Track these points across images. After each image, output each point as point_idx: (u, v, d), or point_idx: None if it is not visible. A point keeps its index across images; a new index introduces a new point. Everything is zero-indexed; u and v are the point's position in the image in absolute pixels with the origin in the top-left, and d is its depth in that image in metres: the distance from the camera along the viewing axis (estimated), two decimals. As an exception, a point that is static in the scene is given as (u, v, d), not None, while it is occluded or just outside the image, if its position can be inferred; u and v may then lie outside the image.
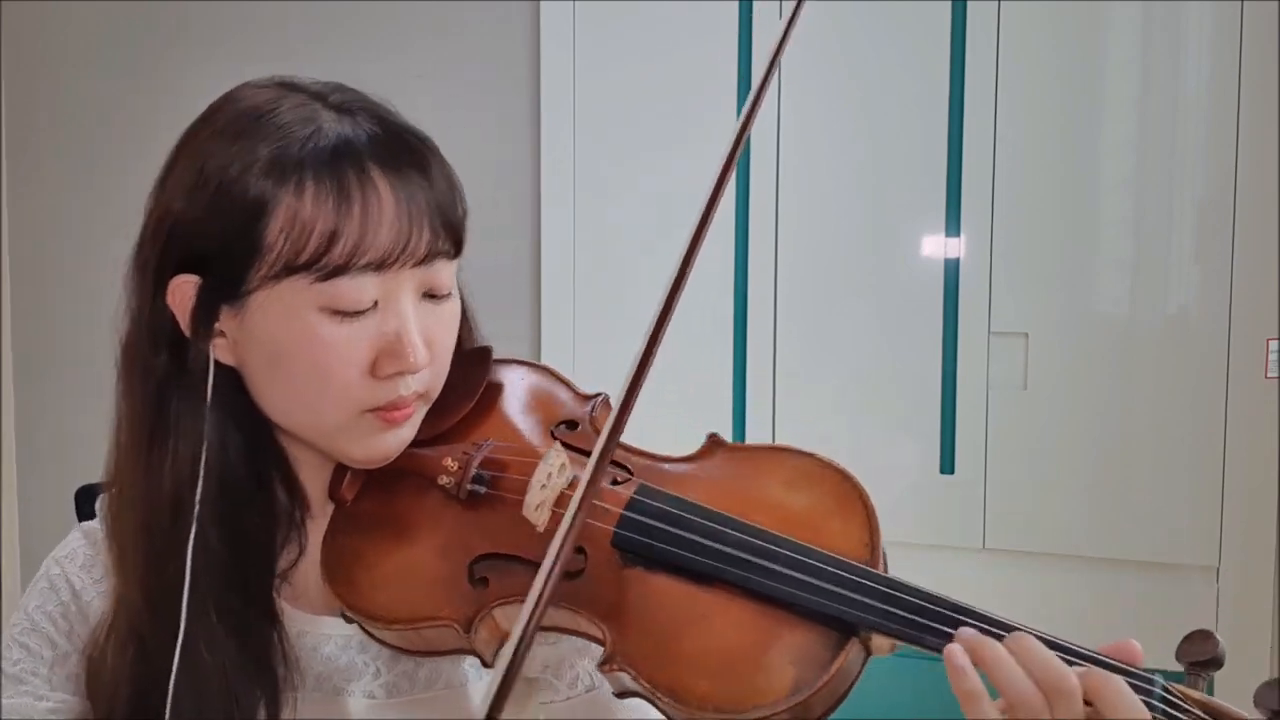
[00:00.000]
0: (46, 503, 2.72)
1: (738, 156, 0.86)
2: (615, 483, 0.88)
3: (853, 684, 0.79)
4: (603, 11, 2.37)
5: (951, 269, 2.22)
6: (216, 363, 0.90)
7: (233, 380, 0.91)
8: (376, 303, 0.87)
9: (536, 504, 0.87)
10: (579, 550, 0.84)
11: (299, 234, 0.84)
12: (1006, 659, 0.74)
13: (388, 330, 0.87)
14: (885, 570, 0.83)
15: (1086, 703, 0.73)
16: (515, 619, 0.75)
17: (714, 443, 0.92)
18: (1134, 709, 0.73)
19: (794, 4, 0.84)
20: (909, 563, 2.44)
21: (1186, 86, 2.11)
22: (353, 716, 0.94)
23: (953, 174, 2.20)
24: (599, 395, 0.97)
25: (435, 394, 0.93)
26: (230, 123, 0.89)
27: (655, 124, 2.32)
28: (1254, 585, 2.08)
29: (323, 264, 0.84)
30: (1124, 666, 0.76)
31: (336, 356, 0.87)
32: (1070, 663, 0.75)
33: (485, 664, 0.89)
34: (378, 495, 0.94)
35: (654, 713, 0.80)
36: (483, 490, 0.90)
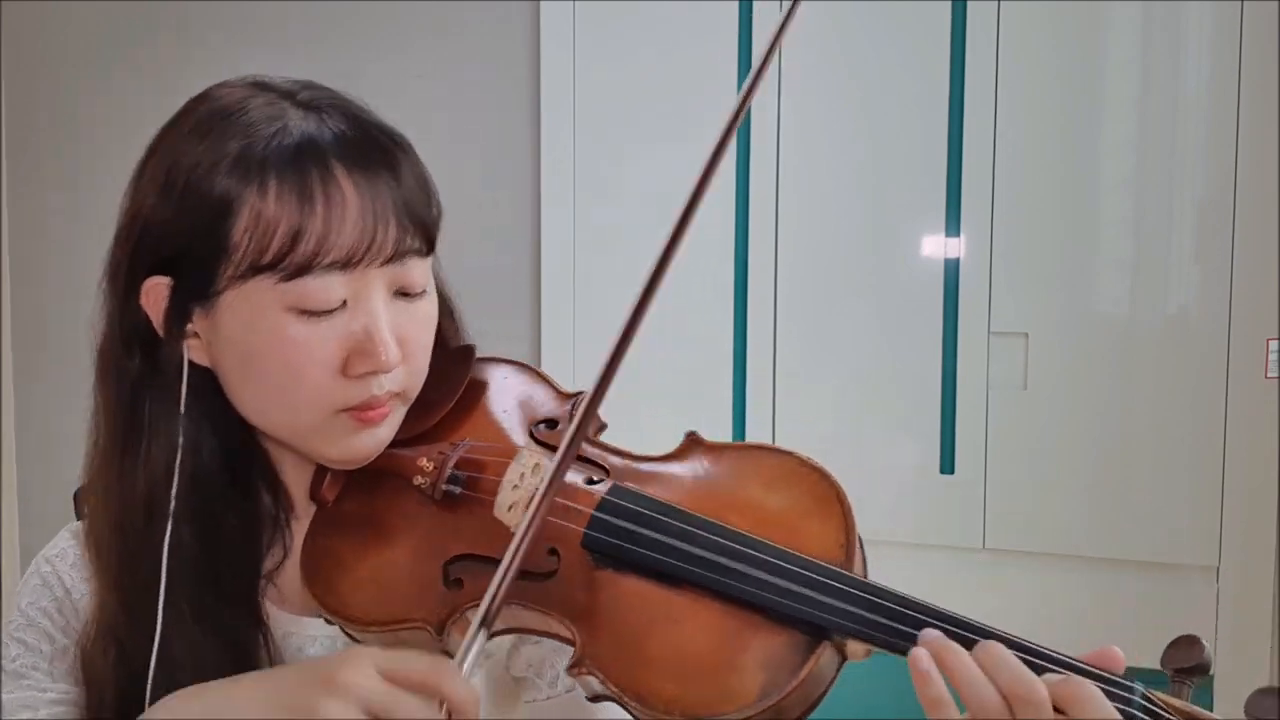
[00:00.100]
0: (46, 502, 2.72)
1: (720, 160, 0.85)
2: (592, 482, 0.87)
3: (827, 688, 0.78)
4: (603, 11, 2.37)
5: (951, 269, 2.22)
6: (192, 364, 0.90)
7: (209, 382, 0.91)
8: (346, 302, 0.86)
9: (509, 504, 0.86)
10: (552, 552, 0.84)
11: (263, 233, 0.84)
12: (970, 665, 0.73)
13: (357, 329, 0.86)
14: (864, 572, 0.82)
15: (1059, 710, 0.72)
16: None
17: (692, 441, 0.90)
18: (1107, 712, 0.71)
19: (789, 8, 0.83)
20: (909, 563, 2.45)
21: (1186, 86, 2.11)
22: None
23: (953, 174, 2.20)
24: (580, 394, 0.96)
25: (414, 393, 0.92)
26: (199, 122, 0.88)
27: (655, 124, 2.32)
28: (1254, 585, 2.08)
29: (287, 263, 0.84)
30: (1103, 673, 0.74)
31: (307, 356, 0.86)
32: (1043, 669, 0.73)
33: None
34: (358, 496, 0.93)
35: (627, 716, 0.79)
36: (458, 491, 0.89)
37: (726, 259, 2.33)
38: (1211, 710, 0.75)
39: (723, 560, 0.80)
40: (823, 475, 0.84)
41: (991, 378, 2.20)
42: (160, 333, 0.89)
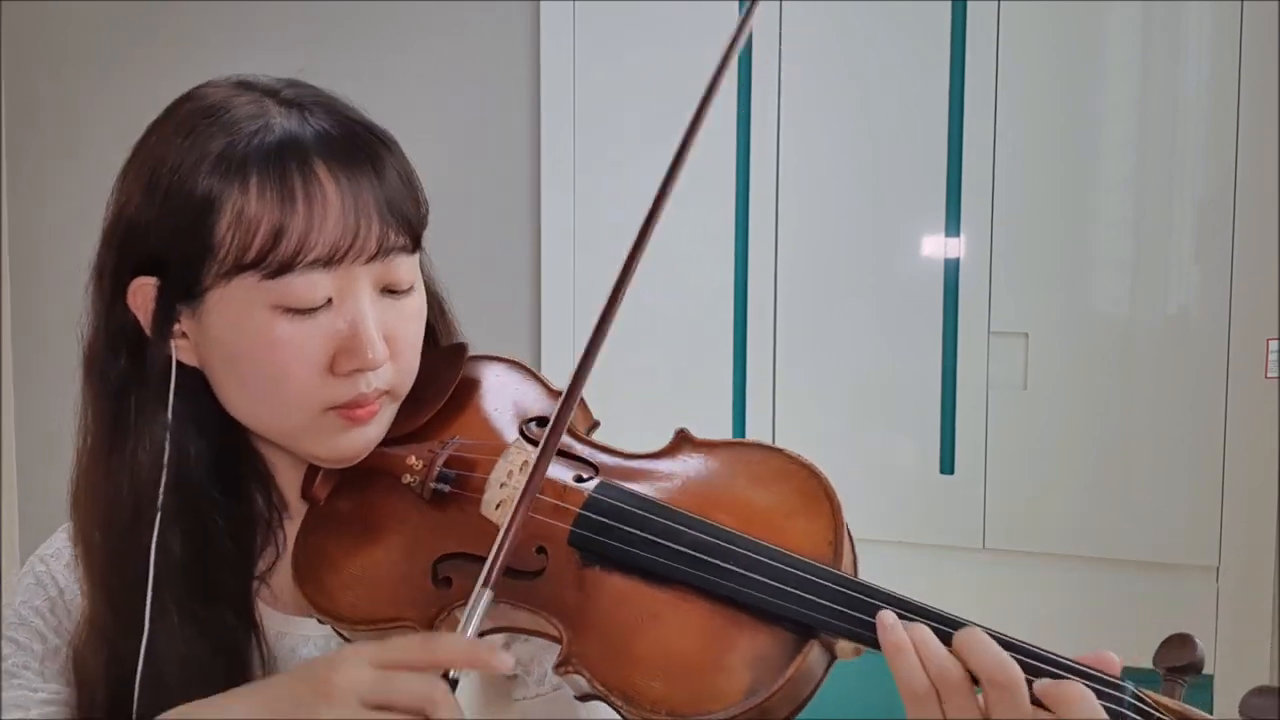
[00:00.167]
0: (46, 502, 2.72)
1: (685, 159, 0.85)
2: (580, 480, 0.87)
3: (816, 687, 0.78)
4: (602, 11, 2.37)
5: (951, 269, 2.22)
6: (181, 365, 0.90)
7: (198, 382, 0.91)
8: (332, 300, 0.86)
9: (496, 502, 0.86)
10: (540, 550, 0.83)
11: (245, 231, 0.84)
12: (909, 651, 0.73)
13: (344, 327, 0.86)
14: (854, 570, 0.81)
15: (1044, 709, 0.71)
16: None
17: (682, 439, 0.90)
18: (1095, 712, 0.71)
19: (746, 9, 0.83)
20: (908, 563, 2.45)
21: (1186, 86, 2.11)
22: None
23: (953, 174, 2.20)
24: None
25: (403, 391, 0.92)
26: (182, 122, 0.88)
27: (655, 123, 2.32)
28: (1254, 585, 2.08)
29: (270, 261, 0.84)
30: (1092, 671, 0.73)
31: (292, 354, 0.86)
32: (1032, 668, 0.72)
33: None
34: (349, 495, 0.93)
35: (616, 717, 0.78)
36: (447, 489, 0.89)
37: (726, 259, 2.33)
38: (1210, 711, 0.74)
39: (709, 558, 0.79)
40: (812, 472, 0.84)
41: (991, 378, 2.20)
42: (148, 333, 0.89)
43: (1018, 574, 2.20)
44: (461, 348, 0.98)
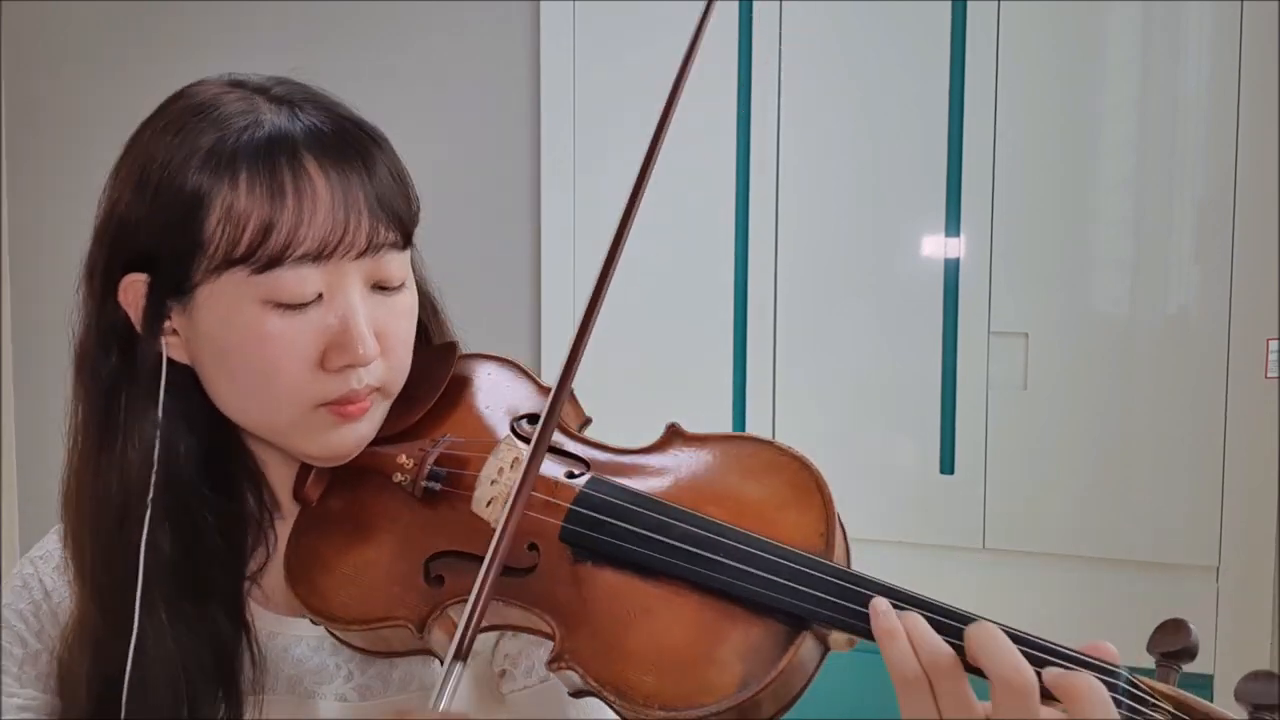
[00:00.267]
0: (46, 502, 2.72)
1: (656, 157, 0.85)
2: (572, 476, 0.87)
3: (809, 681, 0.77)
4: (602, 11, 2.37)
5: (951, 269, 2.22)
6: (172, 362, 0.89)
7: (189, 380, 0.91)
8: (321, 295, 0.86)
9: (488, 499, 0.86)
10: (532, 547, 0.83)
11: (235, 226, 0.84)
12: (901, 636, 0.72)
13: (334, 322, 0.86)
14: (847, 562, 0.81)
15: (1052, 700, 0.70)
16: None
17: (673, 433, 0.89)
18: (1109, 712, 0.70)
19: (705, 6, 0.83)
20: (908, 563, 2.45)
21: (1186, 86, 2.11)
22: (323, 719, 0.93)
23: (953, 174, 2.20)
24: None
25: (394, 389, 0.92)
26: (173, 119, 0.89)
27: (655, 123, 2.32)
28: (1254, 585, 2.08)
29: (259, 255, 0.84)
30: (1087, 658, 0.73)
31: (282, 350, 0.86)
32: (1030, 656, 0.72)
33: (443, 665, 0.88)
34: (341, 494, 0.93)
35: (610, 713, 0.78)
36: (438, 487, 0.89)
37: (726, 259, 2.33)
38: (1210, 708, 0.74)
39: (700, 551, 0.79)
40: (803, 464, 0.83)
41: (991, 378, 2.20)
42: (138, 330, 0.89)
43: (1018, 574, 2.20)
44: (452, 346, 0.98)
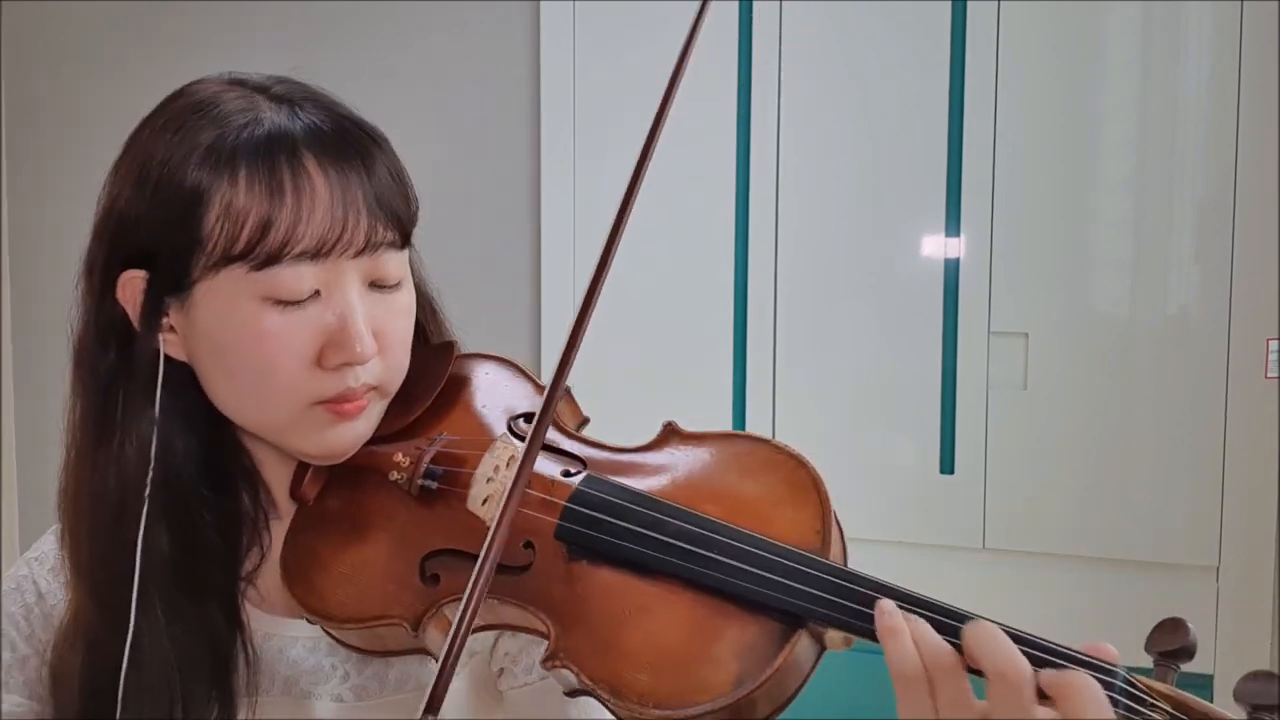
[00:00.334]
0: (47, 501, 2.72)
1: (649, 160, 0.84)
2: (568, 474, 0.86)
3: (805, 680, 0.77)
4: (602, 11, 2.37)
5: (951, 269, 2.22)
6: (169, 359, 0.90)
7: (186, 377, 0.91)
8: (319, 292, 0.86)
9: (483, 497, 0.86)
10: (527, 545, 0.83)
11: (234, 223, 0.84)
12: (904, 634, 0.72)
13: (331, 320, 0.86)
14: (844, 560, 0.80)
15: (1048, 700, 0.70)
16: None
17: (670, 431, 0.89)
18: (1103, 710, 0.69)
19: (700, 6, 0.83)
20: (909, 563, 2.45)
21: (1186, 86, 2.11)
22: (319, 719, 0.93)
23: (953, 174, 2.20)
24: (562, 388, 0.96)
25: (392, 388, 0.92)
26: (173, 117, 0.89)
27: (649, 124, 2.32)
28: (1254, 585, 2.08)
29: (257, 252, 0.84)
30: (1084, 657, 0.72)
31: (280, 347, 0.86)
32: (1030, 656, 0.71)
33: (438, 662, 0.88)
34: (338, 494, 0.93)
35: (605, 713, 0.78)
36: (435, 485, 0.89)
37: (726, 259, 2.33)
38: (1210, 710, 0.74)
39: (695, 548, 0.79)
40: (799, 462, 0.83)
41: (991, 378, 2.20)
42: (136, 327, 0.89)
43: (1018, 574, 2.20)
44: (450, 346, 0.98)
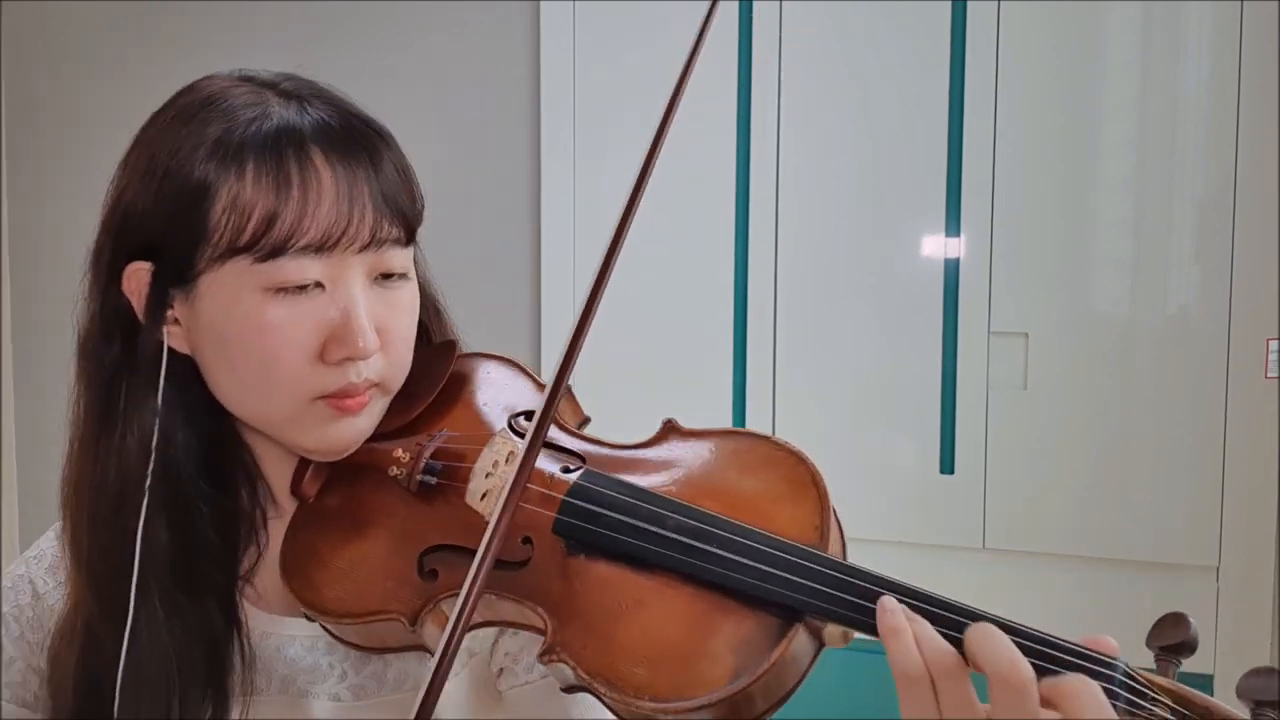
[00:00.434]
0: (47, 501, 2.72)
1: (656, 159, 0.84)
2: (567, 470, 0.86)
3: (803, 676, 0.77)
4: (602, 11, 2.37)
5: (951, 269, 2.22)
6: (174, 352, 0.90)
7: (189, 371, 0.91)
8: (323, 286, 0.86)
9: (482, 492, 0.86)
10: (526, 540, 0.83)
11: (240, 216, 0.84)
12: (907, 633, 0.71)
13: (335, 315, 0.86)
14: (842, 555, 0.80)
15: (1051, 706, 0.69)
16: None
17: (669, 428, 0.89)
18: (1102, 711, 0.68)
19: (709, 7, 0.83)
20: (909, 563, 2.45)
21: (1186, 86, 2.11)
22: (317, 718, 0.93)
23: (953, 174, 2.20)
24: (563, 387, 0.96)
25: (394, 385, 0.92)
26: (182, 111, 0.89)
27: (655, 123, 2.32)
28: (1254, 585, 2.08)
29: (262, 244, 0.84)
30: (1083, 649, 0.72)
31: (283, 339, 0.86)
32: (1026, 649, 0.71)
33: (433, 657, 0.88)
34: (338, 491, 0.93)
35: (605, 711, 0.78)
36: (434, 481, 0.89)
37: (726, 259, 2.33)
38: (1210, 708, 0.73)
39: (692, 542, 0.79)
40: (799, 459, 0.83)
41: (991, 378, 2.20)
42: (141, 318, 0.90)
43: (1018, 574, 2.20)
44: (452, 344, 0.99)
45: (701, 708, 0.73)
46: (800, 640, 0.75)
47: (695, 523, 0.80)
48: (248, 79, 0.91)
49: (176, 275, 0.87)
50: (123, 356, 0.91)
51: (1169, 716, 0.70)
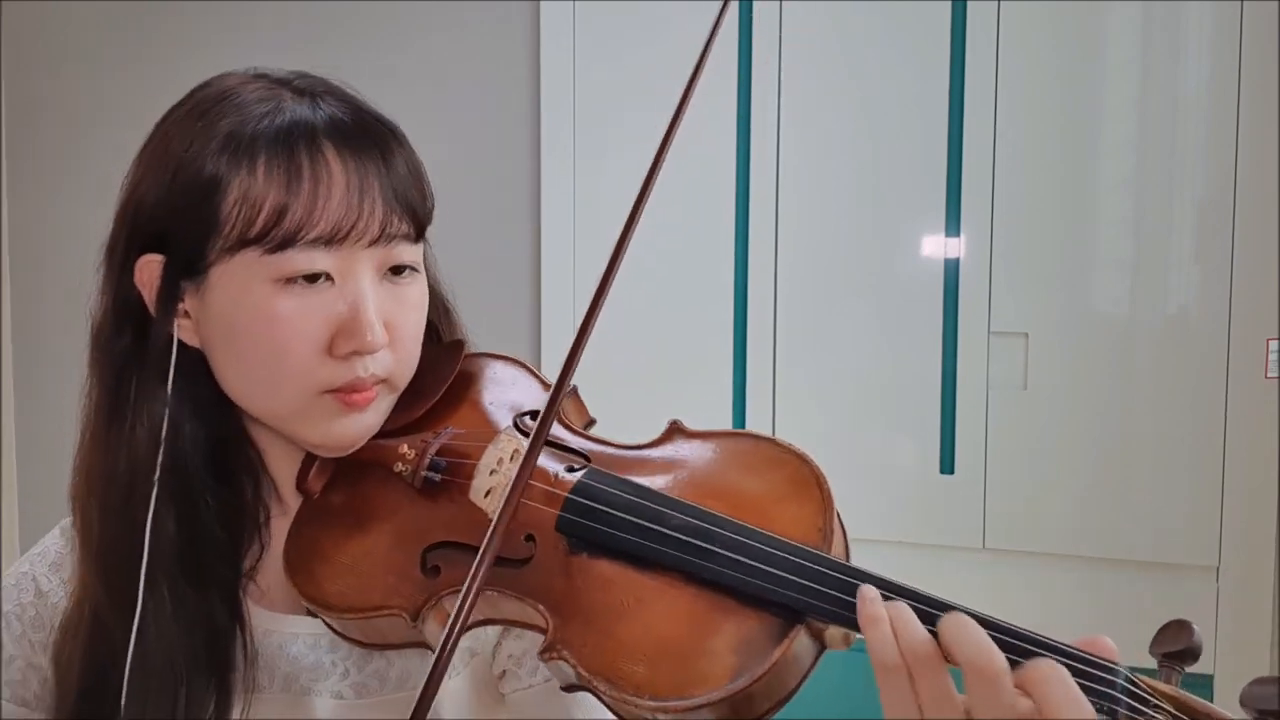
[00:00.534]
0: (47, 501, 2.72)
1: (664, 159, 0.85)
2: (571, 470, 0.87)
3: (804, 678, 0.76)
4: (602, 11, 2.37)
5: (951, 269, 2.22)
6: (184, 346, 0.90)
7: (199, 365, 0.91)
8: (331, 278, 0.87)
9: (486, 490, 0.86)
10: (528, 538, 0.83)
11: (251, 208, 0.85)
12: (884, 623, 0.71)
13: (344, 308, 0.87)
14: (845, 557, 0.80)
15: (1025, 692, 0.69)
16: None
17: (674, 429, 0.90)
18: (1076, 706, 0.67)
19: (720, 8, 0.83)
20: (909, 563, 2.45)
21: (1186, 86, 2.11)
22: (319, 717, 0.93)
23: (953, 174, 2.20)
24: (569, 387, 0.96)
25: (401, 382, 0.93)
26: (196, 105, 0.90)
27: (655, 123, 2.31)
28: (1254, 585, 2.08)
29: (272, 236, 0.85)
30: (1086, 655, 0.72)
31: (291, 331, 0.86)
32: (1029, 652, 0.70)
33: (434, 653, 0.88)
34: (343, 487, 0.93)
35: (606, 712, 0.78)
36: (438, 478, 0.89)
37: (726, 259, 2.33)
38: (1210, 709, 0.73)
39: (695, 541, 0.79)
40: (803, 460, 0.83)
41: (991, 378, 2.20)
42: (152, 310, 0.90)
43: (1018, 574, 2.20)
44: (459, 344, 0.99)
45: (701, 707, 0.73)
46: (801, 641, 0.75)
47: (698, 522, 0.80)
48: (262, 76, 0.92)
49: (187, 267, 0.88)
50: (133, 348, 0.91)
51: None
